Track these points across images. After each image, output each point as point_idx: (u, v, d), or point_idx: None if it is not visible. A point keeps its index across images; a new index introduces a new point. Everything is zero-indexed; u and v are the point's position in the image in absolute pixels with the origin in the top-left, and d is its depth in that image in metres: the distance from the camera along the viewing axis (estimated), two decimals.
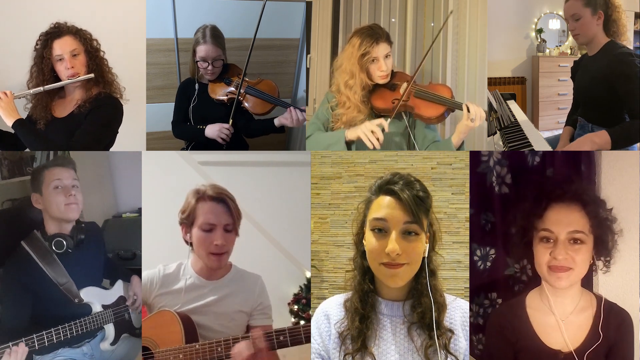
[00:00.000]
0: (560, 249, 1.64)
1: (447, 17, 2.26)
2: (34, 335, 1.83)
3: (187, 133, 2.52)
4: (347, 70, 2.09)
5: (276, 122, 2.40)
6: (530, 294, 1.80)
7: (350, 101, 2.10)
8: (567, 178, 2.00)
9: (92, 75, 2.07)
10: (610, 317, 1.71)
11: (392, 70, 2.16)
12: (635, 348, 1.77)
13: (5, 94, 2.01)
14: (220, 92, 2.44)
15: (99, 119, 2.08)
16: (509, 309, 1.82)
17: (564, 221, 1.66)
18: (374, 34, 2.05)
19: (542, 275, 1.72)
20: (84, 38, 2.08)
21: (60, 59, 2.05)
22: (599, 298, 1.75)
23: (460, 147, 2.06)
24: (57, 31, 2.05)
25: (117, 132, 2.18)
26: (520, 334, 1.74)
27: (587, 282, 1.83)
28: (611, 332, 1.69)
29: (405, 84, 2.10)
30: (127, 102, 2.18)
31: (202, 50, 2.40)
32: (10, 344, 1.78)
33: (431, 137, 2.15)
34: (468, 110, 1.96)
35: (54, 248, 2.00)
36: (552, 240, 1.67)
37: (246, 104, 2.44)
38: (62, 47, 2.04)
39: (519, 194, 2.01)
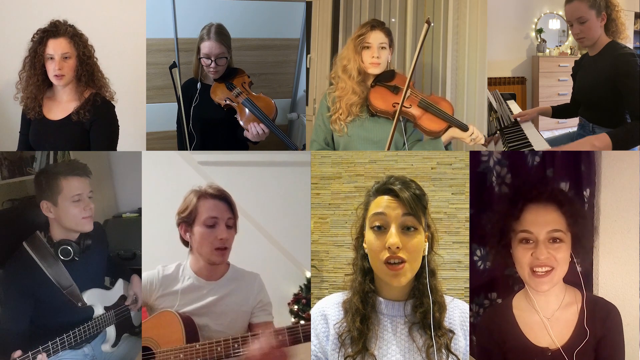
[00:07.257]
0: (542, 249, 1.66)
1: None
2: (40, 347, 1.79)
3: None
4: (345, 56, 2.19)
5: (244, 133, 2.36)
6: (517, 296, 1.82)
7: (347, 84, 2.16)
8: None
9: None
10: (596, 311, 1.71)
11: (394, 71, 2.19)
12: (634, 345, 1.78)
13: None
14: (220, 96, 2.41)
15: (106, 132, 2.15)
16: (496, 312, 1.85)
17: (541, 221, 1.68)
18: (372, 21, 2.18)
19: (525, 279, 1.74)
20: (78, 43, 2.08)
21: (51, 58, 2.06)
22: (582, 294, 1.75)
23: (447, 146, 2.16)
24: (55, 30, 2.06)
25: None
26: (507, 335, 1.75)
27: (587, 283, 1.82)
28: (597, 326, 1.70)
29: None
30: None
31: (205, 46, 2.38)
32: (30, 353, 1.75)
33: (415, 136, 2.22)
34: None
35: (60, 256, 1.94)
36: (532, 241, 1.69)
37: (237, 117, 2.37)
38: (55, 48, 2.05)
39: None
